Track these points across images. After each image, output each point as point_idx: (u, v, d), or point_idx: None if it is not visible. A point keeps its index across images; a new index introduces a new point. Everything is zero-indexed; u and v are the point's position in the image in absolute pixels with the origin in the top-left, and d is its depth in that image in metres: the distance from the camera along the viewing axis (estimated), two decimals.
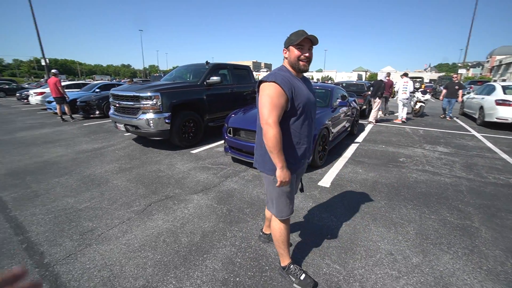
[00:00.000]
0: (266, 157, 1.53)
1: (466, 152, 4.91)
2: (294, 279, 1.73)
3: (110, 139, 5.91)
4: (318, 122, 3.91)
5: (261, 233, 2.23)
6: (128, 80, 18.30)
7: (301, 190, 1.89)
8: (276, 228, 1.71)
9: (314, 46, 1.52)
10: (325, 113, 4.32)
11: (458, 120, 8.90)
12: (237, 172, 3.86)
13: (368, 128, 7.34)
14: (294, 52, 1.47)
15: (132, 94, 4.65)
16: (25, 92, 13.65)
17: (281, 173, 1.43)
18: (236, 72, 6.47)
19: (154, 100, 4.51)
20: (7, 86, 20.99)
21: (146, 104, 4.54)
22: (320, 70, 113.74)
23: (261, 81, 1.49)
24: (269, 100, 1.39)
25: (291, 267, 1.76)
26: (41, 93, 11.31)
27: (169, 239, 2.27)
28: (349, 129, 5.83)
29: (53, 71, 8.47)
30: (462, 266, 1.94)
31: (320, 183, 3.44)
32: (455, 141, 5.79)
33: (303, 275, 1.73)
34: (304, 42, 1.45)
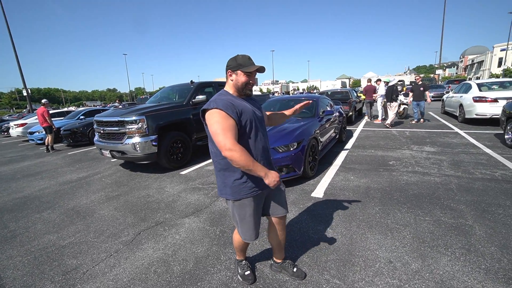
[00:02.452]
0: (226, 181, 1.55)
1: (451, 150, 5.03)
2: (240, 271, 1.96)
3: (96, 167, 5.73)
4: (307, 133, 3.93)
5: (272, 262, 2.04)
6: (117, 100, 18.14)
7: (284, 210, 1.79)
8: (236, 239, 1.84)
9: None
10: (312, 123, 4.36)
11: (441, 119, 9.20)
12: None
13: (356, 134, 7.46)
14: (242, 77, 1.50)
15: (116, 119, 4.57)
16: (5, 125, 13.24)
17: (268, 180, 1.40)
18: (222, 88, 6.50)
19: (140, 123, 4.44)
20: None
21: (131, 128, 4.46)
22: (305, 81, 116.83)
23: (204, 110, 1.49)
24: (219, 127, 1.38)
25: (243, 262, 1.99)
26: (22, 125, 11.00)
27: (161, 269, 2.15)
28: (337, 136, 5.90)
29: (43, 101, 8.31)
30: (461, 267, 1.91)
31: (313, 194, 3.40)
32: (440, 140, 5.94)
33: (248, 272, 1.94)
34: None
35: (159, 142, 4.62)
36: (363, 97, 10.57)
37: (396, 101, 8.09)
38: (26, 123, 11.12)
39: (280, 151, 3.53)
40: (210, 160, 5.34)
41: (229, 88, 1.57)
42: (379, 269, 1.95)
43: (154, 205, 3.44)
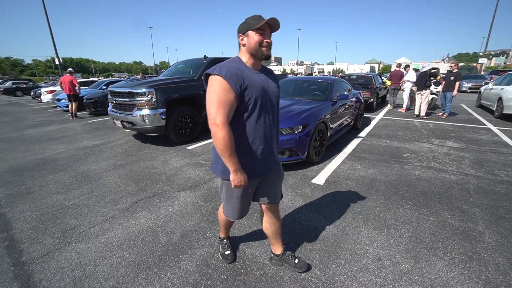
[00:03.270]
0: (218, 158, 1.40)
1: (478, 147, 4.57)
2: (221, 250, 1.97)
3: (111, 136, 5.97)
4: (314, 116, 3.73)
5: (272, 255, 1.88)
6: (141, 73, 18.51)
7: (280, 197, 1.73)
8: (221, 214, 1.78)
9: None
10: (323, 107, 4.12)
11: (473, 113, 8.35)
12: None
13: (374, 121, 7.03)
14: (255, 37, 1.31)
15: (127, 91, 4.63)
16: (39, 91, 14.12)
17: (234, 177, 1.33)
18: None
19: (149, 96, 4.47)
20: (24, 86, 21.88)
21: (141, 100, 4.50)
22: (331, 63, 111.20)
23: (207, 74, 1.32)
24: (215, 97, 1.24)
25: (224, 241, 1.99)
26: (52, 91, 11.64)
27: (148, 238, 2.22)
28: (352, 123, 5.58)
29: (69, 69, 8.69)
30: (457, 275, 1.75)
31: (313, 180, 3.28)
32: (468, 135, 5.41)
33: (229, 251, 1.94)
34: (264, 26, 1.30)
35: (168, 116, 4.65)
36: (388, 83, 9.81)
37: (429, 88, 7.38)
38: (55, 90, 11.75)
39: (284, 133, 3.40)
40: None
41: (242, 55, 1.38)
42: (365, 265, 1.85)
43: (156, 177, 3.53)
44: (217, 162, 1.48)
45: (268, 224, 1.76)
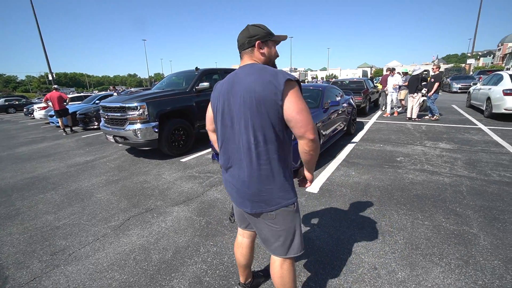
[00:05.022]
0: (289, 181, 1.20)
1: (470, 148, 4.62)
2: None
3: (104, 151, 5.91)
4: None
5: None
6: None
7: None
8: (290, 270, 1.29)
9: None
10: (315, 114, 4.15)
11: (464, 113, 8.49)
12: None
13: (367, 126, 7.09)
14: (273, 49, 1.25)
15: (118, 105, 4.61)
16: (31, 107, 14.03)
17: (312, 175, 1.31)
18: (227, 75, 6.38)
19: (141, 110, 4.45)
20: (17, 102, 21.76)
21: (133, 114, 4.49)
22: (324, 69, 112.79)
23: (289, 80, 1.05)
24: (305, 105, 1.07)
25: None
26: (44, 108, 11.58)
27: (140, 257, 2.16)
28: (345, 128, 5.61)
29: (54, 86, 8.70)
30: (454, 281, 1.73)
31: (308, 189, 3.26)
32: (459, 136, 5.48)
33: None
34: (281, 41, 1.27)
35: (161, 129, 4.63)
36: (380, 86, 9.97)
37: (421, 91, 7.51)
38: (48, 106, 11.67)
39: None
40: (210, 149, 5.28)
41: (258, 62, 1.21)
42: (361, 276, 1.82)
43: (149, 192, 3.48)
44: (287, 191, 1.18)
45: (251, 254, 1.55)
